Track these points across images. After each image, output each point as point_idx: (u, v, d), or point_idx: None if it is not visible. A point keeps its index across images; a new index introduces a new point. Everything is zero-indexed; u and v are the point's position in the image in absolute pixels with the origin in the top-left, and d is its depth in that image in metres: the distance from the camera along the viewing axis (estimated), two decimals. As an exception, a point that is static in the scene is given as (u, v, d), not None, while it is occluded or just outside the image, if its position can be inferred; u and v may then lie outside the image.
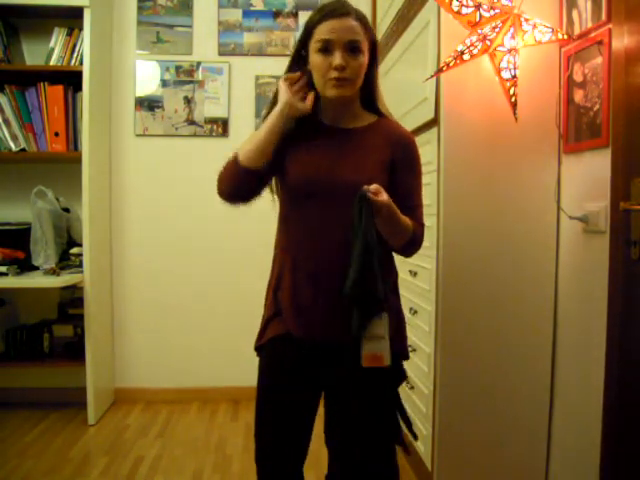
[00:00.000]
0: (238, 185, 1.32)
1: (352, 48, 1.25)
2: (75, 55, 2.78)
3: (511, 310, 1.91)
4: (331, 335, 1.30)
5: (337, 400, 1.37)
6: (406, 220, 1.29)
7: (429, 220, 1.97)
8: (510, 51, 1.73)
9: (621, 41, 1.52)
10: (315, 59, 1.28)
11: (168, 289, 3.13)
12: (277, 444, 1.36)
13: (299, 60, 1.34)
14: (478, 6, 1.70)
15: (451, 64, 1.69)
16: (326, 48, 1.25)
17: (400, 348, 1.38)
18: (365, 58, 1.29)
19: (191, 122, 3.10)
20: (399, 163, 1.33)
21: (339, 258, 1.26)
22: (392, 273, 1.41)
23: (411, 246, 1.34)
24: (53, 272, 2.64)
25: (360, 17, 1.28)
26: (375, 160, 1.32)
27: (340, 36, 1.24)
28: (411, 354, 2.20)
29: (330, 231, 1.29)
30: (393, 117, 1.43)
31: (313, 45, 1.28)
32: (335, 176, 1.29)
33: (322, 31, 1.25)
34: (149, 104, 3.08)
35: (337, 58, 1.24)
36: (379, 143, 1.34)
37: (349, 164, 1.30)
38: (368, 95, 1.39)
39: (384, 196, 1.19)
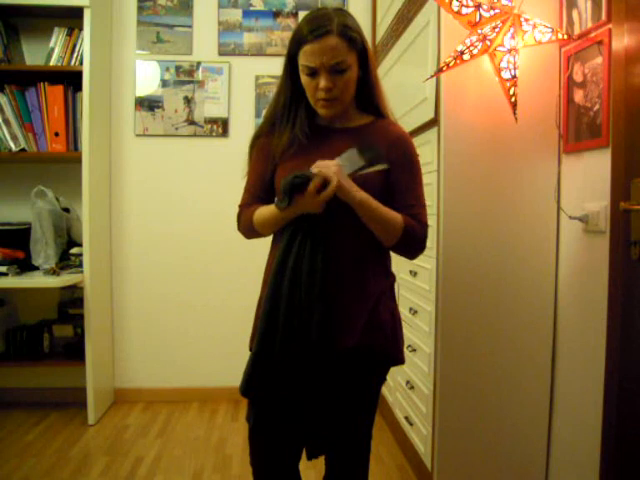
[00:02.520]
0: (257, 235, 1.43)
1: (335, 69, 1.25)
2: (75, 55, 2.78)
3: (511, 310, 1.91)
4: (330, 335, 1.29)
5: (335, 403, 1.37)
6: (392, 215, 1.28)
7: (429, 220, 1.96)
8: (510, 51, 1.73)
9: (621, 41, 1.52)
10: (303, 79, 1.30)
11: (168, 289, 3.13)
12: (272, 444, 1.36)
13: (291, 74, 1.34)
14: (478, 6, 1.70)
15: (451, 64, 1.69)
16: (310, 72, 1.26)
17: (394, 353, 1.36)
18: (352, 72, 1.28)
19: (191, 122, 3.10)
20: (394, 162, 1.32)
21: (334, 259, 1.26)
22: (389, 276, 1.40)
23: (407, 245, 1.32)
24: (53, 272, 2.64)
25: (342, 30, 1.24)
26: None
27: (322, 61, 1.23)
28: (411, 354, 2.21)
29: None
30: (394, 118, 1.43)
31: (300, 66, 1.29)
32: None
33: (305, 56, 1.25)
34: (149, 104, 3.08)
35: (322, 81, 1.25)
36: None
37: None
38: (365, 98, 1.38)
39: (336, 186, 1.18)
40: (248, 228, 1.40)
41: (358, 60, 1.29)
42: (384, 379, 1.41)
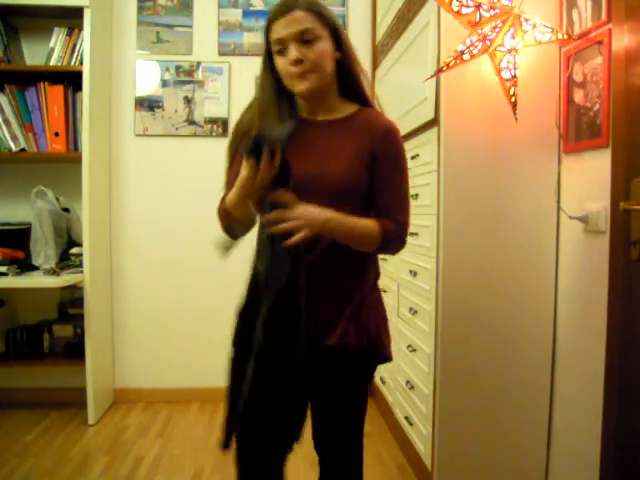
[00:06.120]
0: (237, 225, 1.34)
1: (303, 38, 1.23)
2: (75, 55, 2.78)
3: (511, 310, 1.91)
4: (313, 334, 1.26)
5: (322, 403, 1.35)
6: (366, 227, 1.24)
7: (429, 220, 1.97)
8: (510, 51, 1.73)
9: (621, 41, 1.52)
10: (277, 62, 1.27)
11: (168, 289, 3.13)
12: (257, 444, 1.32)
13: (270, 67, 1.31)
14: (478, 6, 1.70)
15: (451, 64, 1.69)
16: (281, 49, 1.25)
17: (379, 351, 1.34)
18: (325, 44, 1.25)
19: (191, 122, 3.10)
20: (379, 155, 1.29)
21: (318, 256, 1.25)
22: (371, 273, 1.36)
23: (386, 248, 1.29)
24: (53, 272, 2.64)
25: (308, 6, 1.24)
26: (352, 152, 1.27)
27: (288, 31, 1.22)
28: (411, 354, 2.21)
29: None
30: (378, 104, 1.39)
31: (272, 46, 1.27)
32: (309, 170, 1.24)
33: (273, 33, 1.24)
34: (149, 104, 3.08)
35: (291, 53, 1.23)
36: (357, 135, 1.29)
37: (323, 157, 1.26)
38: (346, 83, 1.34)
39: (297, 219, 1.12)
40: (226, 218, 1.32)
41: (332, 38, 1.27)
42: (371, 377, 1.38)
